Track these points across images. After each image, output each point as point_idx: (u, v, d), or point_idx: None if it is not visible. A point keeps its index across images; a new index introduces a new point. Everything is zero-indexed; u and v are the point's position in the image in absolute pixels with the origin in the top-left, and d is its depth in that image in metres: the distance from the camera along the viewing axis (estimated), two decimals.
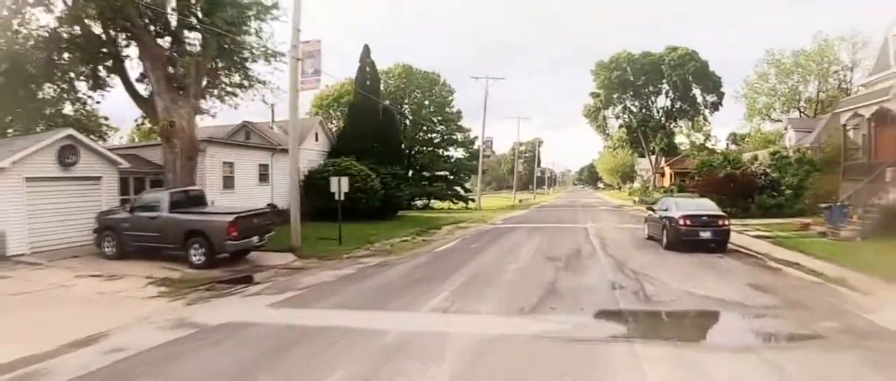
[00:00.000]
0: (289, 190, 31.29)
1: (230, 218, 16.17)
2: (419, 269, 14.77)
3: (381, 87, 50.83)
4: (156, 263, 16.32)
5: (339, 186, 20.76)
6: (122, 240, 17.36)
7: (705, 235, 16.69)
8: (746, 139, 70.64)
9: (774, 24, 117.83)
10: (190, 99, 21.48)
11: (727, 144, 70.12)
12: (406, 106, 51.28)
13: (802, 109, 64.21)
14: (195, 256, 16.24)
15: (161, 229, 16.81)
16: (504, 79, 50.83)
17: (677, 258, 15.49)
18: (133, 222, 17.23)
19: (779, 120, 67.28)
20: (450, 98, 52.71)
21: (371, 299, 11.11)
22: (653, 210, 20.12)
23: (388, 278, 13.45)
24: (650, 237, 19.91)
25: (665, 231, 17.51)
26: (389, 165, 32.44)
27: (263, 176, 29.30)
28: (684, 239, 16.71)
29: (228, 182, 27.06)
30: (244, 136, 32.15)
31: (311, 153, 32.54)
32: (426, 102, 51.84)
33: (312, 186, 30.12)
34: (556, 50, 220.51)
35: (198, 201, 18.63)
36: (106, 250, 17.65)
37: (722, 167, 33.10)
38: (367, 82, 33.88)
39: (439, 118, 52.17)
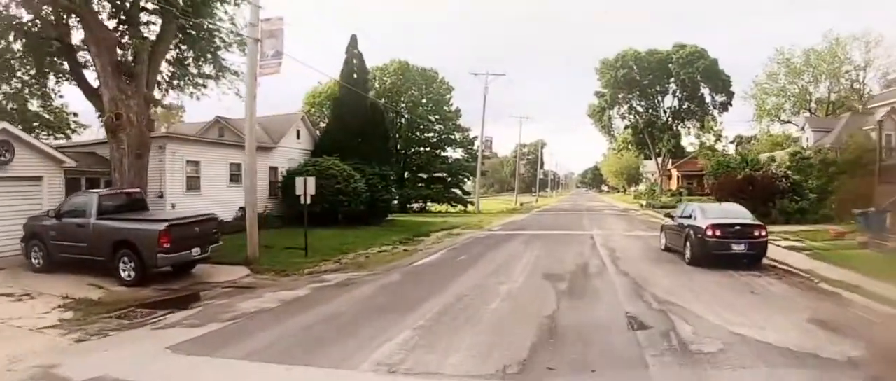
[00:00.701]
0: (261, 191, 28.59)
1: (162, 226, 13.23)
2: (386, 291, 11.76)
3: (376, 84, 48.01)
4: (85, 277, 13.63)
5: (305, 187, 17.79)
6: (49, 250, 14.55)
7: (738, 248, 13.62)
8: (752, 142, 67.52)
9: (777, 27, 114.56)
10: (141, 89, 18.71)
11: (736, 148, 67.00)
12: (403, 105, 48.32)
13: (813, 110, 61.31)
14: (124, 271, 13.40)
15: (88, 239, 13.96)
16: (504, 75, 48.04)
17: (707, 278, 12.44)
18: (59, 230, 14.43)
19: (788, 121, 64.34)
20: (448, 96, 49.73)
21: (306, 340, 8.12)
22: (671, 217, 17.05)
23: (341, 306, 10.45)
24: (668, 248, 16.86)
25: (688, 243, 14.45)
26: (377, 164, 29.47)
27: (236, 177, 26.32)
28: (714, 253, 13.65)
29: (193, 183, 24.17)
30: (218, 132, 29.24)
31: (292, 152, 29.59)
32: (423, 101, 48.86)
33: (290, 188, 27.16)
34: (560, 53, 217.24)
35: (137, 205, 15.72)
36: (34, 261, 14.93)
37: (740, 168, 29.99)
38: (354, 75, 30.92)
39: (437, 117, 49.17)
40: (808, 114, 59.94)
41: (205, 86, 26.13)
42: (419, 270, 14.58)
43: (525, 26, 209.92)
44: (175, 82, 25.40)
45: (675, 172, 70.83)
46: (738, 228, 13.87)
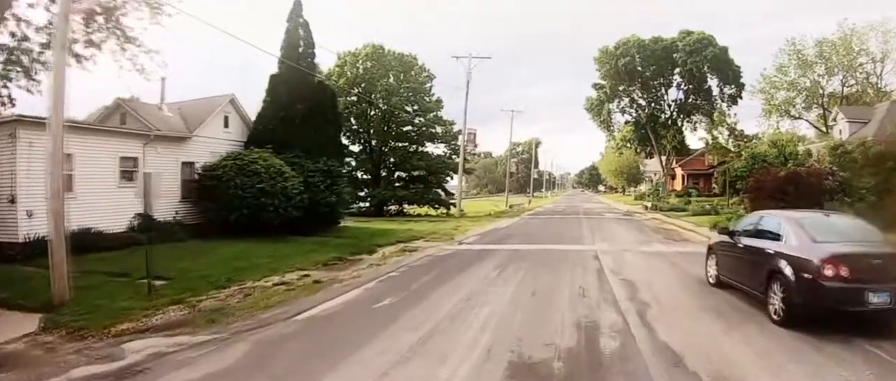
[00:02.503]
0: (172, 193, 21.97)
1: None
2: None
3: (347, 72, 41.50)
4: None
5: (146, 188, 11.21)
6: None
7: (880, 299, 7.05)
8: (754, 140, 61.21)
9: (790, 28, 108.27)
10: None
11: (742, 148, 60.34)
12: (379, 96, 41.60)
13: (826, 106, 55.21)
14: None
15: None
16: (490, 58, 40.84)
17: (846, 373, 5.93)
18: None
19: (799, 117, 58.20)
20: (428, 85, 43.09)
21: None
22: (729, 234, 10.38)
23: None
24: (722, 282, 10.33)
25: (778, 285, 7.82)
26: (324, 158, 22.92)
27: (130, 174, 19.88)
28: (836, 308, 7.13)
29: (64, 184, 17.54)
30: (120, 119, 22.65)
31: (216, 143, 22.93)
32: (401, 90, 42.10)
33: (206, 190, 20.78)
34: (558, 56, 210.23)
35: None
36: None
37: (777, 163, 23.46)
38: (299, 48, 24.36)
39: (415, 108, 42.53)
40: (814, 111, 54.06)
41: (85, 58, 19.99)
42: (292, 335, 7.93)
43: (523, 28, 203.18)
44: (46, 53, 19.44)
45: (679, 171, 64.43)
46: (877, 263, 7.30)
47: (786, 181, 21.61)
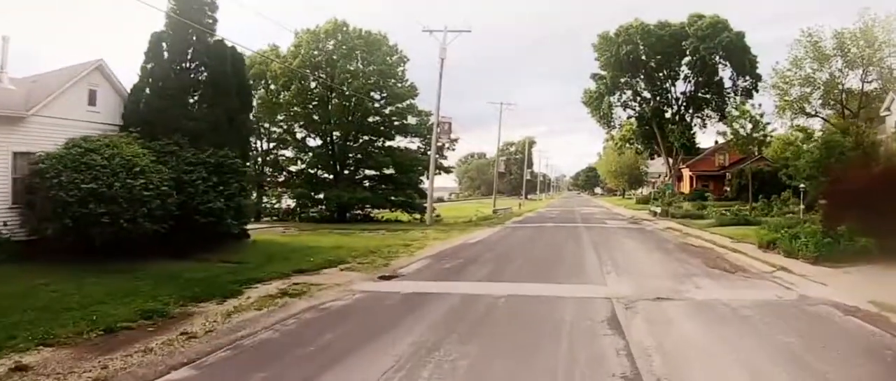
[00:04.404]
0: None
1: None
2: None
3: (305, 51, 34.47)
4: None
5: None
6: None
7: None
8: (755, 140, 54.46)
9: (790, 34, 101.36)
10: None
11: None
12: (344, 84, 34.40)
13: (844, 102, 48.42)
14: None
15: None
16: (469, 31, 33.22)
17: None
18: None
19: (816, 114, 51.40)
20: (400, 68, 36.05)
21: None
22: None
23: None
24: None
25: None
26: (218, 146, 15.86)
27: None
28: None
29: None
30: None
31: (76, 127, 15.66)
32: (367, 73, 34.87)
33: (43, 190, 13.65)
34: (555, 57, 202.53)
35: None
36: None
37: (858, 153, 16.33)
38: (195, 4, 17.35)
39: (384, 95, 35.47)
40: (839, 102, 47.43)
41: None
42: None
43: (520, 29, 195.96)
44: None
45: (687, 172, 57.43)
46: None
47: (878, 180, 14.61)
